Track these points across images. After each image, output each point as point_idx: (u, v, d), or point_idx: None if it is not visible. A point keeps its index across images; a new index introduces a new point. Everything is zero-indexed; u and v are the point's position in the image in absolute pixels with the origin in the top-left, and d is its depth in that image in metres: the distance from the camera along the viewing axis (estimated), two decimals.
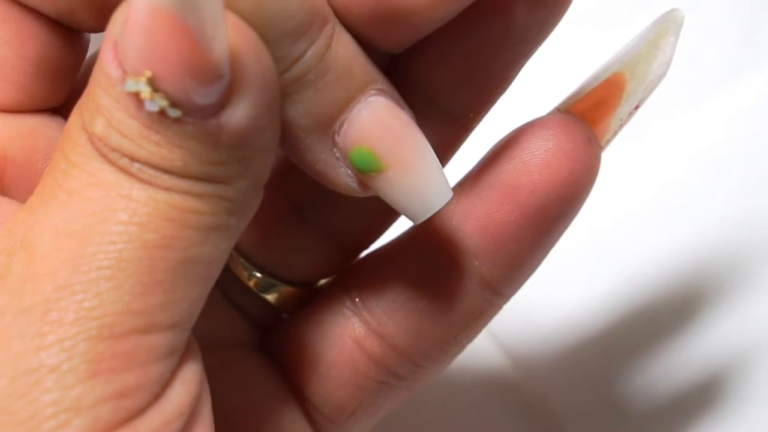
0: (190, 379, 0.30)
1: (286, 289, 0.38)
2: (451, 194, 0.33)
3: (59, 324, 0.27)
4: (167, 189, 0.28)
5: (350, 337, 0.37)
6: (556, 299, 0.53)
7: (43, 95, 0.35)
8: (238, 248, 0.37)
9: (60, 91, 0.35)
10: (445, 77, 0.33)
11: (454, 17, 0.31)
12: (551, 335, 0.53)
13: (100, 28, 0.28)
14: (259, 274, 0.37)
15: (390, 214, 0.38)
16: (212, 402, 0.31)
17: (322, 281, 0.40)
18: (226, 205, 0.29)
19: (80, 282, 0.27)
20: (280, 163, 0.35)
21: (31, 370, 0.27)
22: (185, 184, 0.28)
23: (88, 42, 0.35)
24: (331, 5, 0.31)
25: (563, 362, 0.52)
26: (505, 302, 0.36)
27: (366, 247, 0.38)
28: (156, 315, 0.28)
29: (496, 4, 0.32)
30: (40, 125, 0.35)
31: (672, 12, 0.33)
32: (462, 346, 0.37)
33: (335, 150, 0.32)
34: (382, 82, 0.32)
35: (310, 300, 0.39)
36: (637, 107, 0.34)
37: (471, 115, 0.34)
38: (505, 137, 0.35)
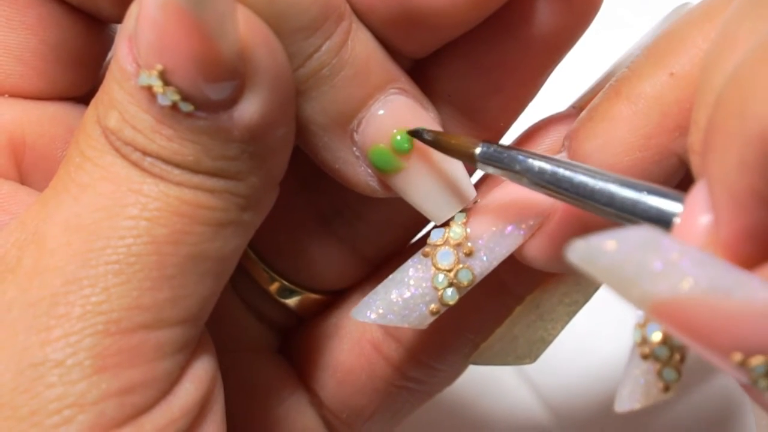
0: (200, 377, 0.29)
1: (307, 296, 0.38)
2: (474, 194, 0.32)
3: (66, 318, 0.27)
4: (178, 184, 0.28)
5: (368, 341, 0.37)
6: (593, 347, 0.52)
7: (65, 83, 0.34)
8: (259, 253, 0.37)
9: (83, 81, 0.35)
10: (474, 87, 0.33)
11: (482, 26, 0.31)
12: (590, 384, 0.52)
13: (121, 18, 0.29)
14: (280, 280, 0.37)
15: (414, 227, 0.38)
16: (227, 404, 0.31)
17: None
18: (238, 201, 0.29)
19: (88, 276, 0.27)
20: (307, 172, 0.35)
21: (36, 365, 0.27)
22: (197, 179, 0.28)
23: (113, 34, 0.35)
24: (353, 5, 0.30)
25: (601, 411, 0.51)
26: (520, 303, 0.35)
27: (388, 258, 0.38)
28: (164, 310, 0.28)
29: (523, 12, 0.31)
30: (62, 113, 0.34)
31: (683, 7, 0.33)
32: (476, 347, 0.36)
33: (354, 148, 0.31)
34: (403, 82, 0.32)
35: (330, 304, 0.38)
36: None
37: (501, 124, 0.34)
38: (521, 134, 0.35)
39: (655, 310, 0.24)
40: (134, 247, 0.27)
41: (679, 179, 0.31)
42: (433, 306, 0.32)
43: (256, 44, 0.27)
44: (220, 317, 0.31)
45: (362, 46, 0.30)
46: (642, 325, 0.28)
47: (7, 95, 0.34)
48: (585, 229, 0.31)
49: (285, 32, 0.28)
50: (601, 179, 0.28)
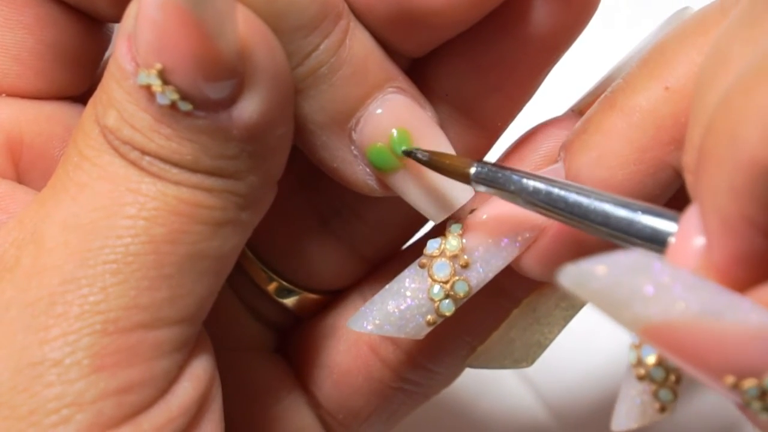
0: (198, 376, 0.29)
1: (305, 296, 0.38)
2: (471, 193, 0.32)
3: (64, 318, 0.27)
4: (176, 183, 0.28)
5: (365, 342, 0.36)
6: (592, 347, 0.52)
7: (62, 82, 0.34)
8: (257, 253, 0.37)
9: (81, 80, 0.35)
10: (472, 86, 0.33)
11: (480, 25, 0.31)
12: (589, 385, 0.52)
13: (119, 17, 0.29)
14: (278, 280, 0.37)
15: (413, 226, 0.38)
16: (224, 403, 0.31)
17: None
18: (236, 200, 0.29)
19: (86, 276, 0.27)
20: (305, 171, 0.35)
21: (34, 364, 0.27)
22: (195, 179, 0.28)
23: (110, 33, 0.35)
24: (351, 4, 0.30)
25: (600, 411, 0.51)
26: (517, 305, 0.35)
27: (387, 258, 0.38)
28: (162, 310, 0.28)
29: (521, 11, 0.31)
30: (59, 112, 0.34)
31: (683, 11, 0.33)
32: (473, 350, 0.36)
33: (352, 147, 0.31)
34: (401, 81, 0.32)
35: (328, 305, 0.38)
36: None
37: (499, 123, 0.34)
38: (519, 138, 0.35)
39: (647, 334, 0.24)
40: (132, 247, 0.27)
41: (675, 190, 0.31)
42: (429, 317, 0.33)
43: (255, 43, 0.27)
44: (218, 316, 0.31)
45: (360, 44, 0.30)
46: (637, 347, 0.28)
47: (4, 94, 0.34)
48: (580, 241, 0.31)
49: (283, 31, 0.28)
50: (596, 199, 0.28)
